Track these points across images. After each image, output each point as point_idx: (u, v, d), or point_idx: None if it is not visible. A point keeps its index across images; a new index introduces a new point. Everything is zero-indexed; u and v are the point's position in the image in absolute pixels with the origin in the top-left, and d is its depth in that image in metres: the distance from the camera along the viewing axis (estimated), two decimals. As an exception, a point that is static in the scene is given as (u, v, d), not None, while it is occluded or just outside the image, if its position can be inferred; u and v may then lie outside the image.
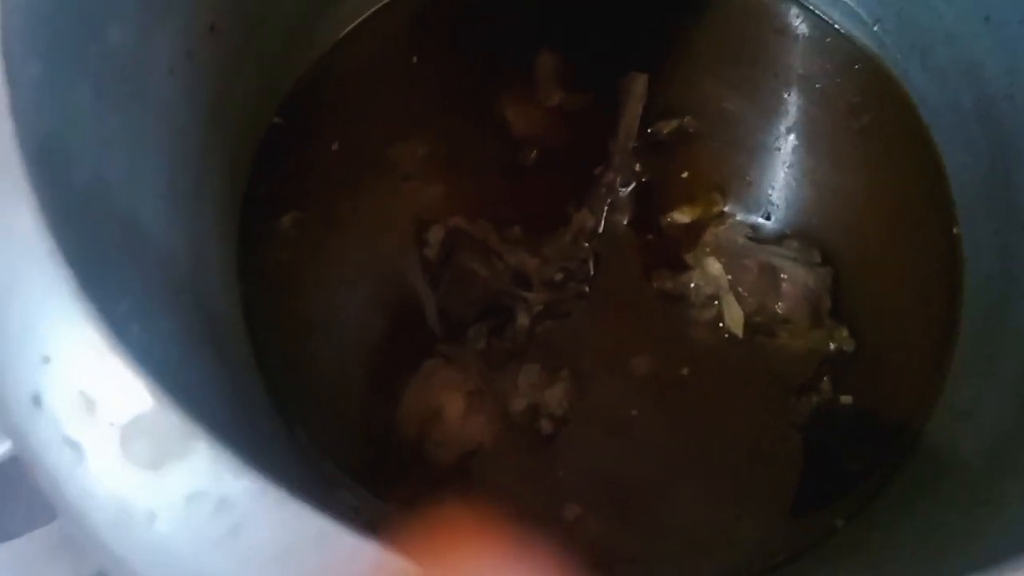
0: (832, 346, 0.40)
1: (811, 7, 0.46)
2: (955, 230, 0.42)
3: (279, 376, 0.41)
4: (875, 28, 0.45)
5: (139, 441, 0.20)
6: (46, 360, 0.21)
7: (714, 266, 0.40)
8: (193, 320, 0.36)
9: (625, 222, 0.43)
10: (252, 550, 0.19)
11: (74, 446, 0.20)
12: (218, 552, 0.19)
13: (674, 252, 0.43)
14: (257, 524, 0.20)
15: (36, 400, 0.21)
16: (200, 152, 0.38)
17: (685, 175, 0.44)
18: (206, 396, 0.34)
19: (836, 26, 0.46)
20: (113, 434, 0.20)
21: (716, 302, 0.41)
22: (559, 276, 0.42)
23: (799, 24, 0.46)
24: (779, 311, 0.40)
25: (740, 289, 0.40)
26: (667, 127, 0.44)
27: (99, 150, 0.30)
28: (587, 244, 0.43)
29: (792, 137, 0.45)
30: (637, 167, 0.44)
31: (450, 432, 0.40)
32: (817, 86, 0.46)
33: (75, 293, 0.22)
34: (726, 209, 0.43)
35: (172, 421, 0.21)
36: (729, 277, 0.40)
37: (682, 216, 0.43)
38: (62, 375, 0.21)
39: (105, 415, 0.21)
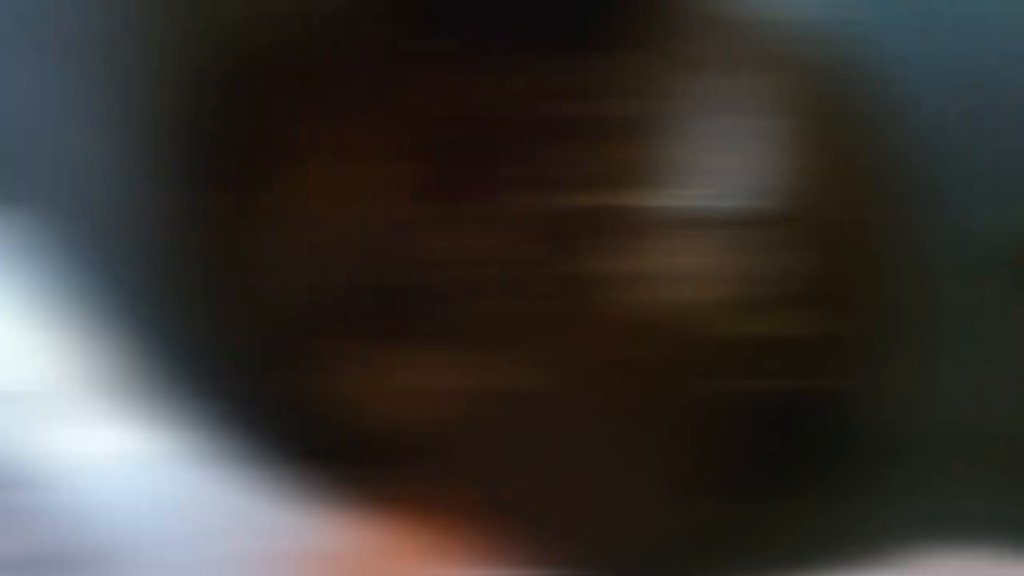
0: (786, 330, 0.38)
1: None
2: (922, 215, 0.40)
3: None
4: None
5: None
6: None
7: (669, 249, 0.38)
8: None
9: (576, 202, 0.42)
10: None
11: None
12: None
13: (626, 233, 0.41)
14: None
15: None
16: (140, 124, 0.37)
17: (643, 156, 0.43)
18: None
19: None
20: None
21: (670, 284, 0.39)
22: (502, 255, 0.40)
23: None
24: (734, 294, 0.38)
25: (695, 272, 0.38)
26: (622, 108, 0.43)
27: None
28: (533, 224, 0.41)
29: (762, 117, 0.43)
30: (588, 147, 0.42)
31: (386, 416, 0.38)
32: (794, 67, 0.44)
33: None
34: (685, 191, 0.42)
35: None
36: (683, 260, 0.38)
37: (634, 198, 0.42)
38: None
39: None
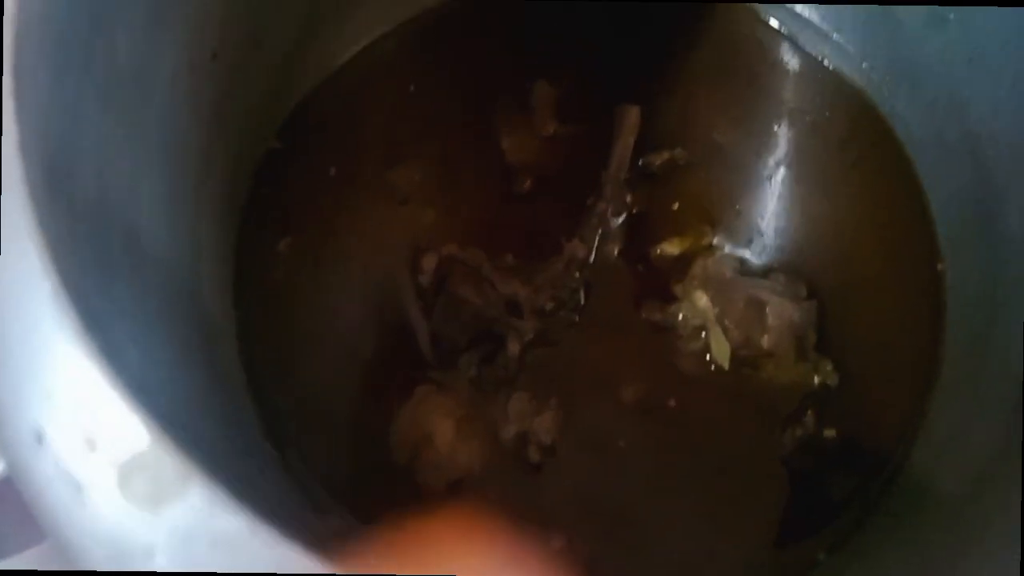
0: (816, 380, 0.41)
1: (801, 44, 0.47)
2: (939, 266, 0.43)
3: (272, 399, 0.41)
4: (863, 64, 0.46)
5: (137, 480, 0.21)
6: (48, 396, 0.21)
7: (702, 299, 0.41)
8: (189, 339, 0.36)
9: (616, 252, 0.44)
10: (244, 589, 0.20)
11: (74, 484, 0.21)
12: (212, 590, 0.20)
13: (663, 283, 0.43)
14: (249, 562, 0.20)
15: (39, 436, 0.22)
16: (201, 164, 0.39)
17: (675, 207, 0.45)
18: (200, 422, 0.34)
19: (825, 62, 0.47)
20: (112, 473, 0.21)
21: (703, 334, 0.42)
22: (550, 305, 0.43)
23: (790, 59, 0.47)
24: (764, 345, 0.40)
25: (727, 322, 0.40)
26: (658, 159, 0.45)
27: (103, 159, 0.30)
28: (578, 273, 0.43)
29: (781, 170, 0.46)
30: (628, 198, 0.45)
31: (440, 458, 0.40)
32: (807, 120, 0.46)
33: (77, 331, 0.23)
34: (715, 241, 0.44)
35: (169, 460, 0.21)
36: (716, 310, 0.41)
37: (671, 248, 0.44)
38: (63, 412, 0.22)
39: (105, 454, 0.21)
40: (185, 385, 0.34)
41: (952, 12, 0.39)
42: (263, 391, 0.41)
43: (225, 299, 0.41)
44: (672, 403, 0.41)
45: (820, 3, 0.46)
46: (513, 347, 0.42)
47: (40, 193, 0.23)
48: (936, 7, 0.39)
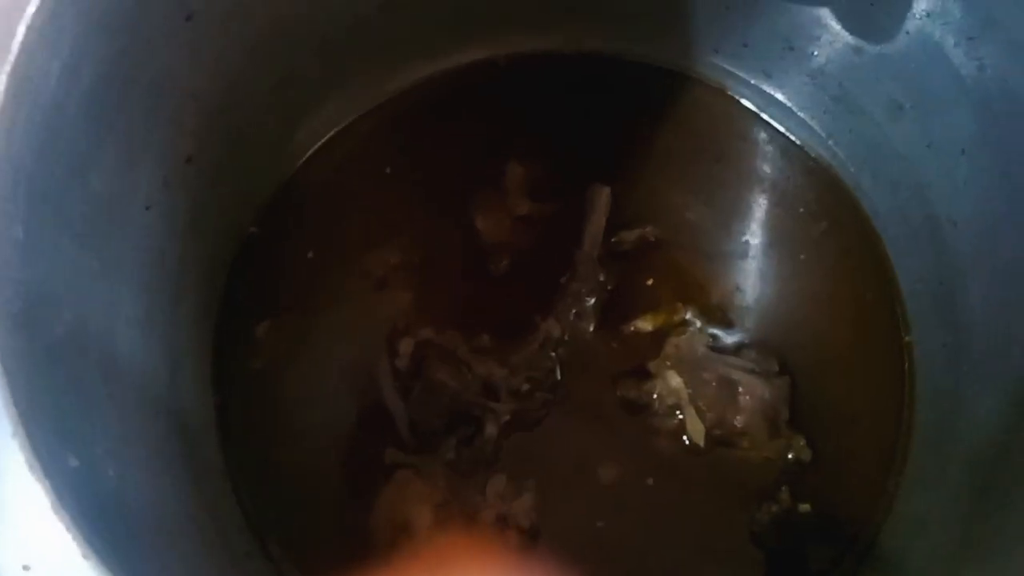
0: (790, 456, 0.42)
1: (769, 120, 0.48)
2: (907, 338, 0.44)
3: (252, 489, 0.41)
4: (829, 142, 0.47)
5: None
6: (26, 568, 0.22)
7: (675, 379, 0.42)
8: (168, 442, 0.36)
9: (591, 330, 0.45)
10: None
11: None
12: None
13: (638, 360, 0.44)
14: None
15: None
16: (177, 270, 0.39)
17: (648, 284, 0.46)
18: (180, 521, 0.35)
19: (793, 138, 0.48)
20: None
21: (678, 412, 0.42)
22: (526, 386, 0.43)
23: (758, 135, 0.49)
24: (738, 424, 0.41)
25: (700, 403, 0.41)
26: (630, 237, 0.46)
27: (79, 294, 0.31)
28: (553, 353, 0.44)
29: (752, 245, 0.47)
30: (601, 276, 0.45)
31: (420, 545, 0.40)
32: (776, 194, 0.47)
33: (28, 460, 0.23)
34: (687, 316, 0.45)
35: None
36: (689, 391, 0.41)
37: (645, 324, 0.45)
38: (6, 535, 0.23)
39: None
40: (163, 489, 0.34)
41: (908, 102, 0.40)
42: (244, 482, 0.41)
43: (204, 396, 0.41)
44: (649, 482, 0.42)
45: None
46: (491, 429, 0.42)
47: (7, 336, 0.24)
48: (892, 96, 0.40)
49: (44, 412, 0.25)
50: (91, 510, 0.26)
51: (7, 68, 0.24)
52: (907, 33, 0.38)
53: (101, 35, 0.28)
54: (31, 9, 0.24)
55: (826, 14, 0.41)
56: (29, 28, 0.24)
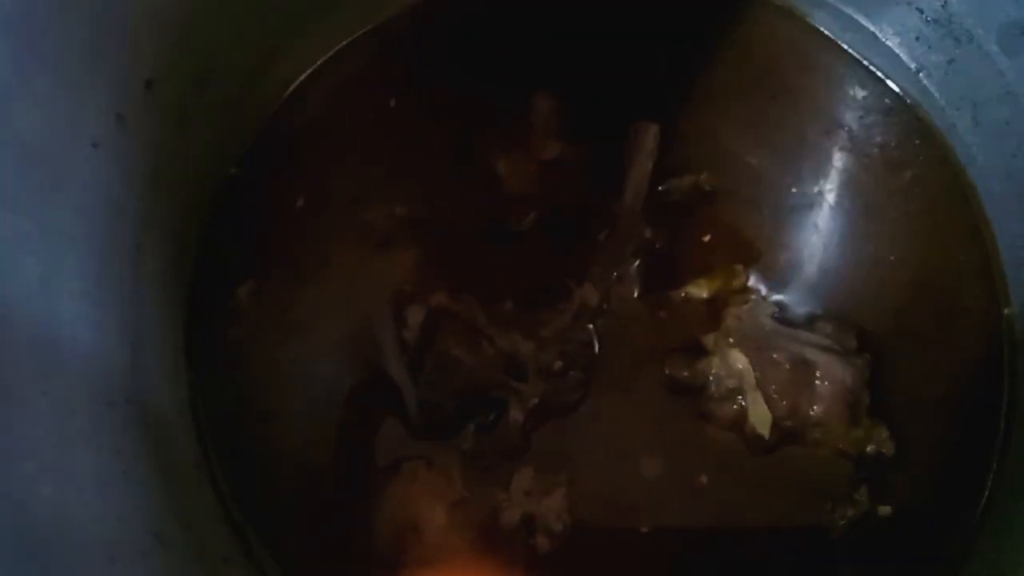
0: (870, 449, 0.35)
1: (844, 45, 0.41)
2: (1007, 311, 0.37)
3: (233, 481, 0.35)
4: (920, 75, 0.39)
5: None
6: None
7: (740, 360, 0.35)
8: (127, 439, 0.30)
9: (634, 296, 0.38)
10: None
11: None
12: None
13: (690, 333, 0.37)
14: None
15: None
16: (136, 227, 0.32)
17: (703, 242, 0.39)
18: (139, 539, 0.28)
19: (873, 69, 0.40)
20: None
21: (740, 397, 0.36)
22: (558, 364, 0.36)
23: (830, 65, 0.41)
24: (813, 414, 0.34)
25: (770, 388, 0.34)
26: (681, 186, 0.39)
27: (2, 267, 0.24)
28: (590, 324, 0.37)
29: (823, 197, 0.39)
30: (647, 233, 0.38)
31: (430, 550, 0.34)
32: (851, 137, 0.40)
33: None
34: (749, 282, 0.38)
35: None
36: (757, 373, 0.35)
37: (699, 290, 0.38)
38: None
39: None
40: (119, 501, 0.27)
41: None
42: (223, 475, 0.35)
43: (176, 377, 0.35)
44: (702, 479, 0.35)
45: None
46: (515, 415, 0.36)
47: None
48: (1014, 18, 0.32)
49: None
50: (13, 548, 0.20)
51: None
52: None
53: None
54: None
55: (939, -90, 0.33)
56: None
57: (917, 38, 0.38)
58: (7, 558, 0.20)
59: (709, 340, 0.37)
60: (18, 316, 0.25)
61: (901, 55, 0.39)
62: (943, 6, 0.36)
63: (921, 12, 0.38)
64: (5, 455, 0.22)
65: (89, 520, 0.25)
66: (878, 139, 0.40)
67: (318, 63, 0.40)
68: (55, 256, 0.27)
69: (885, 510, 0.35)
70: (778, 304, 0.38)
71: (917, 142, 0.40)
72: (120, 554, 0.26)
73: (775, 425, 0.35)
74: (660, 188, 0.39)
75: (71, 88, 0.27)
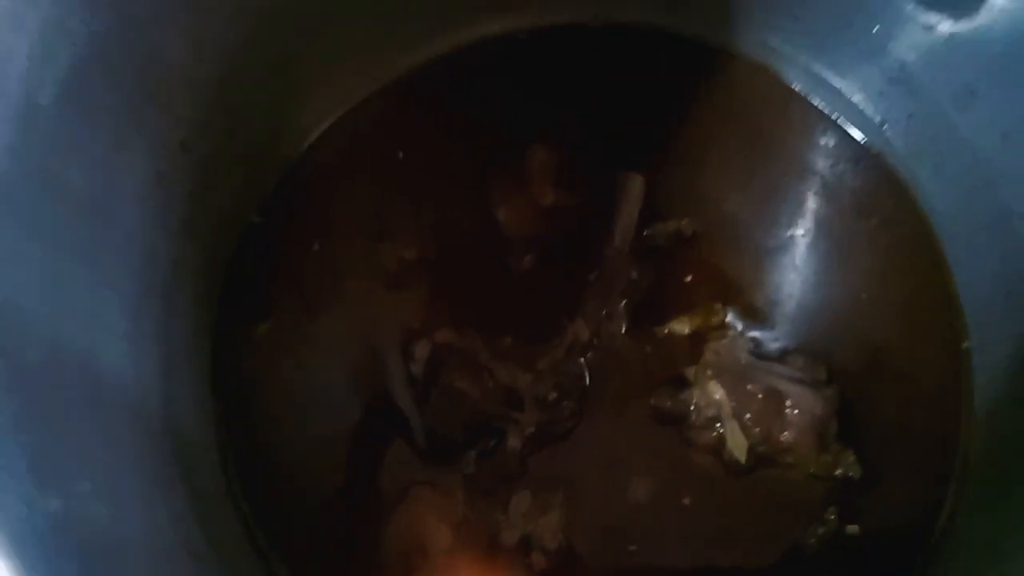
0: (838, 473, 0.38)
1: (815, 100, 0.44)
2: (965, 345, 0.41)
3: (255, 508, 0.38)
4: (884, 128, 0.43)
5: None
6: None
7: (717, 391, 0.38)
8: (166, 466, 0.33)
9: (622, 332, 0.41)
10: None
11: None
12: None
13: (674, 366, 0.41)
14: None
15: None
16: (170, 271, 0.36)
17: (684, 282, 0.42)
18: (180, 557, 0.31)
19: (841, 122, 0.44)
20: None
21: (718, 425, 0.39)
22: (552, 394, 0.40)
23: (802, 119, 0.45)
24: (784, 440, 0.38)
25: (744, 417, 0.38)
26: (665, 230, 0.42)
27: (58, 309, 0.27)
28: (582, 358, 0.41)
29: (795, 240, 0.43)
30: (634, 273, 0.42)
31: (436, 568, 0.37)
32: (823, 184, 0.44)
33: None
34: (727, 319, 0.41)
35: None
36: (733, 403, 0.38)
37: (681, 327, 0.41)
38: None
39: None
40: (162, 524, 0.31)
41: (984, 86, 0.36)
42: (246, 501, 0.38)
43: (203, 409, 0.38)
44: (685, 501, 0.38)
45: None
46: (514, 442, 0.39)
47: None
48: (965, 80, 0.36)
49: (16, 451, 0.22)
50: (78, 557, 0.23)
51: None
52: (991, 9, 0.34)
53: (79, 12, 0.24)
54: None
55: (895, -13, 0.37)
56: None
57: (880, 94, 0.42)
58: (71, 568, 0.23)
59: (690, 373, 0.40)
60: (69, 351, 0.28)
61: (866, 110, 0.43)
62: (901, 68, 0.40)
63: (883, 72, 0.41)
64: (67, 476, 0.25)
65: (137, 537, 0.28)
66: (848, 186, 0.44)
67: (332, 120, 0.44)
68: (101, 297, 0.30)
69: (853, 529, 0.38)
70: (754, 339, 0.41)
71: (883, 189, 0.43)
72: (164, 567, 0.29)
73: (751, 450, 0.38)
74: (645, 232, 0.42)
75: (117, 150, 0.31)
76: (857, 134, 0.44)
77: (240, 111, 0.38)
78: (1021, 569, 0.34)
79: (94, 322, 0.29)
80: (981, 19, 0.35)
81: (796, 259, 0.43)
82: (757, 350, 0.40)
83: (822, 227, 0.43)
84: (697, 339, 0.41)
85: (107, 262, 0.30)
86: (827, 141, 0.44)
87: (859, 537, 0.38)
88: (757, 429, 0.38)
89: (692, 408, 0.39)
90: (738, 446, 0.38)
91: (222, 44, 0.33)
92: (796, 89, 0.44)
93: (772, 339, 0.41)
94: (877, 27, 0.39)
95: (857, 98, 0.43)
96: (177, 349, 0.36)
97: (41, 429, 0.25)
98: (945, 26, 0.36)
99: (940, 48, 0.37)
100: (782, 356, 0.40)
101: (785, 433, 0.38)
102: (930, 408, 0.40)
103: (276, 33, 0.36)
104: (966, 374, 0.40)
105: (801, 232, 0.43)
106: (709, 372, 0.39)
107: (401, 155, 0.44)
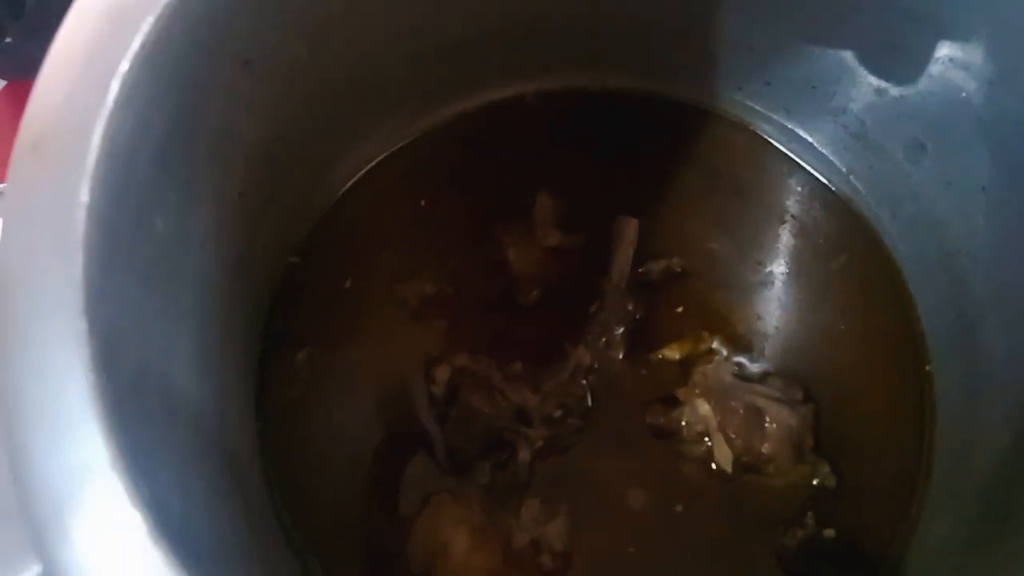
0: (815, 482, 0.43)
1: (790, 155, 0.50)
2: (927, 368, 0.46)
3: (293, 514, 0.43)
4: (850, 177, 0.48)
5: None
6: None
7: (703, 407, 0.43)
8: (220, 474, 0.38)
9: (620, 358, 0.46)
10: None
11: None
12: None
13: (666, 388, 0.45)
14: None
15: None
16: (226, 309, 0.41)
17: (674, 313, 0.47)
18: (234, 553, 0.36)
19: (814, 173, 0.50)
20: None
21: (706, 439, 0.44)
22: (558, 412, 0.44)
23: (780, 170, 0.50)
24: (764, 451, 0.42)
25: (728, 431, 0.42)
26: (656, 267, 0.48)
27: (142, 333, 0.33)
28: (584, 380, 0.45)
29: (774, 276, 0.48)
30: (630, 306, 0.47)
31: (456, 567, 0.42)
32: (797, 226, 0.49)
33: (133, 500, 0.25)
34: (714, 345, 0.46)
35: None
36: (718, 418, 0.43)
37: (672, 353, 0.46)
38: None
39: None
40: (218, 523, 0.35)
41: (929, 141, 0.41)
42: (286, 509, 0.43)
43: (249, 429, 0.43)
44: (678, 508, 0.43)
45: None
46: (524, 454, 0.44)
47: (101, 377, 0.25)
48: (913, 136, 0.42)
49: (125, 448, 0.27)
50: (177, 542, 0.28)
51: (101, 123, 0.25)
52: (929, 76, 0.39)
53: (171, 91, 0.30)
54: (123, 67, 0.26)
55: (849, 56, 0.43)
56: (122, 84, 0.26)
57: (845, 148, 0.48)
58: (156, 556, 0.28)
59: (681, 393, 0.45)
60: (153, 370, 0.33)
61: (834, 160, 0.49)
62: (861, 124, 0.46)
63: (845, 128, 0.47)
64: (152, 471, 0.30)
65: (202, 533, 0.33)
66: (820, 228, 0.49)
67: (362, 172, 0.50)
68: (173, 328, 0.36)
69: (829, 532, 0.43)
70: (737, 363, 0.46)
71: (851, 230, 0.49)
72: (222, 560, 0.34)
73: (736, 461, 0.43)
74: (640, 270, 0.48)
75: (189, 202, 0.36)
76: (827, 182, 0.49)
77: (285, 170, 0.43)
78: (976, 564, 0.38)
79: (168, 347, 0.35)
80: (922, 84, 0.40)
81: (775, 292, 0.48)
82: (740, 373, 0.45)
83: (798, 264, 0.48)
84: (687, 363, 0.46)
85: (179, 295, 0.36)
86: (801, 188, 0.50)
87: (835, 539, 0.43)
88: (740, 441, 0.42)
89: (683, 424, 0.44)
90: (724, 458, 0.43)
91: (273, 112, 0.39)
92: (772, 142, 0.50)
93: (753, 363, 0.46)
94: (837, 91, 0.45)
95: (826, 151, 0.49)
96: (230, 373, 0.41)
97: (136, 434, 0.30)
98: (895, 90, 0.42)
99: (891, 108, 0.43)
100: (763, 378, 0.45)
101: (765, 445, 0.42)
102: (897, 424, 0.45)
103: (322, 107, 0.42)
104: (928, 393, 0.45)
105: (779, 269, 0.48)
106: (697, 392, 0.44)
107: (423, 203, 0.49)
